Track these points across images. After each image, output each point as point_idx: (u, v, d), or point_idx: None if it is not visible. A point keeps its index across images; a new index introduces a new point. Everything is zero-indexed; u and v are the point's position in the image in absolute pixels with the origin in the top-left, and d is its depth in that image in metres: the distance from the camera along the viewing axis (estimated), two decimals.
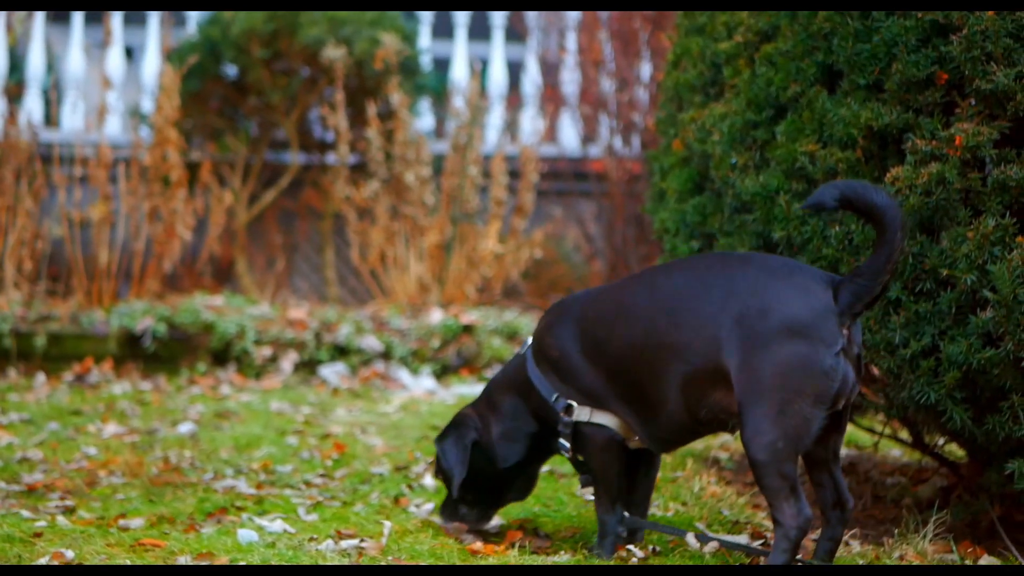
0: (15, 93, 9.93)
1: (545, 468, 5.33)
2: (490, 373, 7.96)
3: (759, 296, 3.80)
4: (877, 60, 4.22)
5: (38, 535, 4.22)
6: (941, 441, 4.94)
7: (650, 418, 4.05)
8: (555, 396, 4.20)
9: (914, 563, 4.15)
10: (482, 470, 4.37)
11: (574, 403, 4.17)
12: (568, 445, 4.20)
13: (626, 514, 4.26)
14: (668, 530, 4.29)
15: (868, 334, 4.22)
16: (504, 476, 4.40)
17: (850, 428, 6.04)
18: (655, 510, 4.76)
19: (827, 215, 4.31)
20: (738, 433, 3.86)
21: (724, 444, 5.85)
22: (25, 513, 4.56)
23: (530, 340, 4.35)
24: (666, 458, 5.52)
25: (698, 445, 5.79)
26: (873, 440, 5.41)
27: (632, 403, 4.08)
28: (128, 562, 3.96)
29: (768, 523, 4.63)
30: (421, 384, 7.88)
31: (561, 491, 5.03)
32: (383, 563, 4.03)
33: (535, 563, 4.05)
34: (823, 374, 3.72)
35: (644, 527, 4.29)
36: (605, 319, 4.11)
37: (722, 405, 3.89)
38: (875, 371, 4.48)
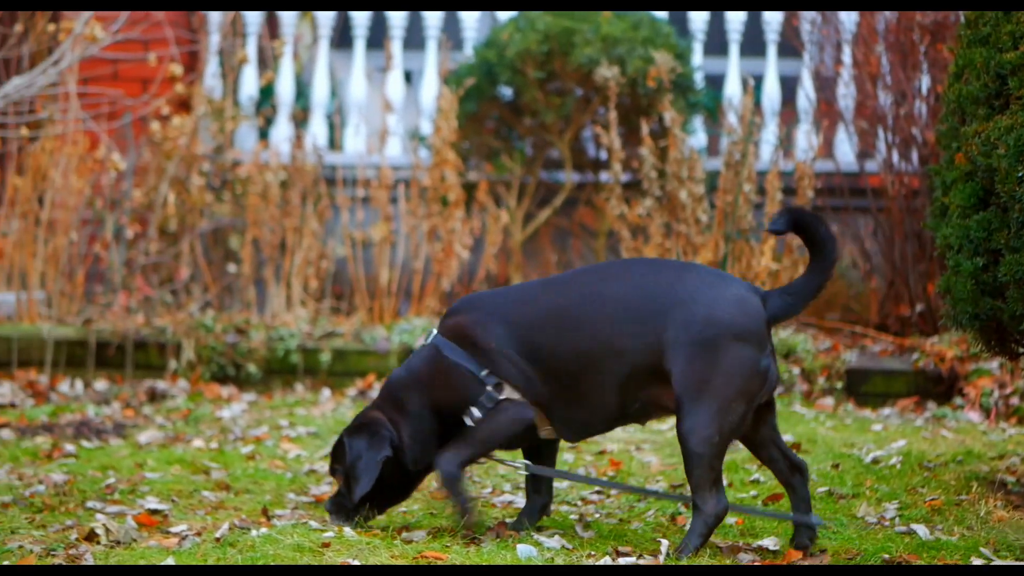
0: (301, 118, 10.31)
1: (822, 489, 5.23)
2: None
3: (701, 304, 4.20)
4: None
5: (326, 545, 4.37)
6: None
7: (579, 410, 4.34)
8: (485, 371, 4.37)
9: None
10: (389, 475, 4.49)
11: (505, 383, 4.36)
12: (480, 415, 4.37)
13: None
14: (662, 494, 4.73)
15: None
16: (412, 477, 4.56)
17: None
18: (939, 534, 4.62)
19: None
20: None
21: (1010, 467, 5.65)
22: (313, 524, 4.71)
23: (434, 333, 4.49)
24: (950, 481, 5.34)
25: (984, 467, 5.60)
26: None
27: (563, 397, 4.34)
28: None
29: None
30: None
31: (840, 512, 4.94)
32: None
33: None
34: (760, 375, 4.21)
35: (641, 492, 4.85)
36: (545, 327, 4.36)
37: (655, 400, 4.31)
38: None
